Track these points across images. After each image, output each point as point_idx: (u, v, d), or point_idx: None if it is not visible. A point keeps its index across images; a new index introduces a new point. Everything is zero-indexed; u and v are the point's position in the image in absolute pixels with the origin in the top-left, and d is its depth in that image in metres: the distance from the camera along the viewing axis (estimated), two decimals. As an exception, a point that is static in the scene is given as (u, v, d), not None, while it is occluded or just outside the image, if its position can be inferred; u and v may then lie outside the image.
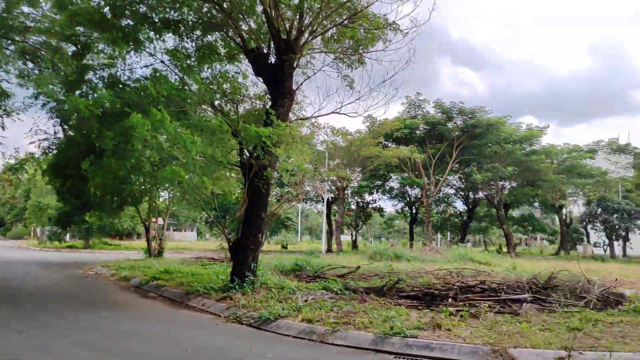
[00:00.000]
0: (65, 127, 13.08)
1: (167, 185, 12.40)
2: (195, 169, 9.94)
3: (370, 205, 50.82)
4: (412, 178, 36.34)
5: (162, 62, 12.75)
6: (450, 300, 9.22)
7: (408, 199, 50.39)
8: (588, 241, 51.79)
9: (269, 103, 12.31)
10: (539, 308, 8.82)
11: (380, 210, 51.61)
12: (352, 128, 38.67)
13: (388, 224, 69.84)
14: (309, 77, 12.65)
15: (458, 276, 13.57)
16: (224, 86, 12.83)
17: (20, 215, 53.91)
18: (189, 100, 11.04)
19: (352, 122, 75.54)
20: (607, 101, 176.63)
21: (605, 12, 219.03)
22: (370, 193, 48.68)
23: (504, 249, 51.67)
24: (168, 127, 9.73)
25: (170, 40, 12.80)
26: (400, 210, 55.16)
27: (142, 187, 11.80)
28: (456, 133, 35.99)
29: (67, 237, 40.23)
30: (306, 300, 9.40)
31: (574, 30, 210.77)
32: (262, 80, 12.47)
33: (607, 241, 39.67)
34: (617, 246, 41.14)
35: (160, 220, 26.07)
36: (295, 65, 11.84)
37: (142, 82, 11.18)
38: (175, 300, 11.08)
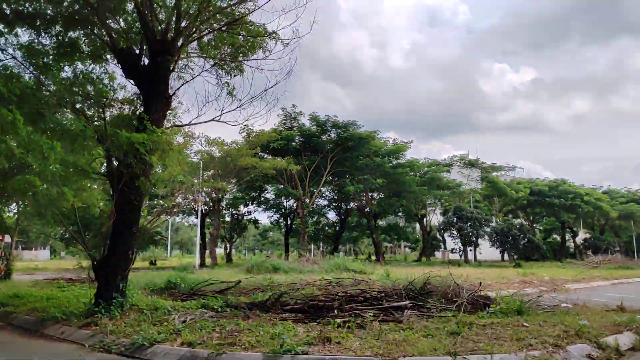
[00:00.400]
0: None
1: (17, 197, 10.73)
2: (53, 179, 8.70)
3: (245, 217, 50.16)
4: (288, 189, 36.53)
5: (14, 58, 11.16)
6: (335, 311, 9.13)
7: (283, 210, 50.67)
8: (445, 248, 56.57)
9: (141, 108, 11.35)
10: (418, 314, 9.12)
11: (255, 222, 51.15)
12: (228, 138, 37.91)
13: (263, 235, 69.55)
14: (187, 81, 11.93)
15: (339, 286, 13.66)
16: (88, 88, 11.58)
17: None
18: (46, 101, 9.71)
19: (228, 132, 74.67)
20: (456, 121, 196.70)
21: (454, 40, 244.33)
22: (246, 205, 48.10)
23: (373, 257, 54.36)
24: (20, 130, 8.43)
25: (25, 34, 11.29)
26: (275, 222, 55.27)
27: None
28: (330, 145, 37.04)
29: None
30: (184, 321, 8.66)
31: (430, 53, 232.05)
32: (133, 83, 11.43)
33: (461, 247, 43.49)
34: (469, 252, 45.45)
35: (7, 238, 22.79)
36: (171, 68, 11.07)
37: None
38: (27, 328, 9.55)
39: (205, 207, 45.36)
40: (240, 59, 13.05)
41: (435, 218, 57.28)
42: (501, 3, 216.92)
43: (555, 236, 69.23)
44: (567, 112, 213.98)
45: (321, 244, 63.51)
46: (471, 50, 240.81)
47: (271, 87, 12.73)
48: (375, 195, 47.64)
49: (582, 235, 69.35)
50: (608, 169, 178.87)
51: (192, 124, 12.17)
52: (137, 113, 11.07)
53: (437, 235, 55.39)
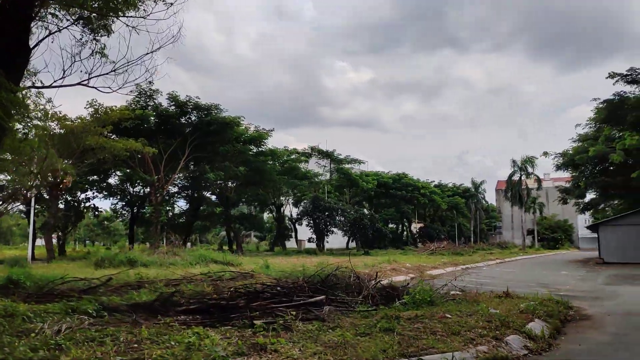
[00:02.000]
0: None
1: None
2: None
3: (83, 204, 44.75)
4: (140, 174, 33.28)
5: None
6: (244, 311, 7.98)
7: (129, 197, 46.41)
8: (296, 237, 57.49)
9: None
10: (333, 309, 8.44)
11: (95, 209, 45.95)
12: (71, 113, 32.90)
13: (101, 225, 63.31)
14: (52, 32, 9.55)
15: (226, 281, 12.41)
16: None
17: None
18: None
19: (73, 107, 66.08)
20: (301, 114, 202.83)
21: (301, 35, 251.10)
22: (84, 190, 43.00)
23: (225, 247, 52.84)
24: None
25: None
26: (117, 210, 50.57)
27: None
28: (189, 129, 34.63)
29: None
30: (59, 331, 6.76)
31: (277, 45, 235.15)
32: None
33: (316, 236, 44.31)
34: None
35: None
36: (34, 14, 8.74)
37: None
38: None
39: (36, 192, 39.49)
40: (111, 15, 11.01)
41: (287, 208, 57.87)
42: (345, 3, 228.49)
43: (391, 225, 75.10)
44: (398, 113, 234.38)
45: (171, 235, 59.94)
46: (317, 46, 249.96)
47: (153, 51, 11.05)
48: (232, 183, 46.19)
49: (416, 224, 76.50)
50: (431, 165, 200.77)
51: (55, 87, 9.84)
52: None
53: (289, 224, 56.04)
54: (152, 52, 10.92)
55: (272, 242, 65.39)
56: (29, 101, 8.95)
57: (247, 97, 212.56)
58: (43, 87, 9.91)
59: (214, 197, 51.06)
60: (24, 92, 8.33)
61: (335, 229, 43.43)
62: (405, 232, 74.02)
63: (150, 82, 33.34)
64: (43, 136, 25.97)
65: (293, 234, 57.21)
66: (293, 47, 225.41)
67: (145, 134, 32.78)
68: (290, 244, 58.49)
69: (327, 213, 41.34)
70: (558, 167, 41.40)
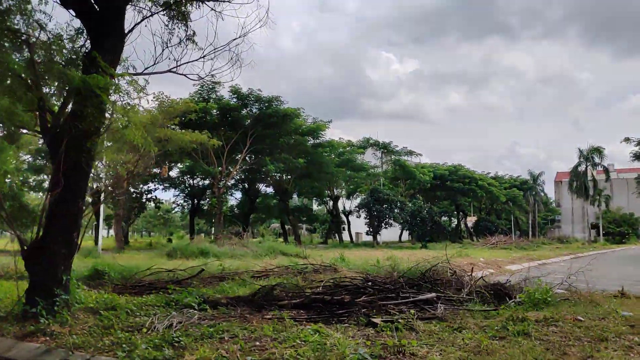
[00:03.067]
0: None
1: None
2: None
3: (146, 196, 46.02)
4: (204, 166, 33.66)
5: None
6: (357, 308, 7.54)
7: (190, 189, 47.29)
8: (349, 229, 56.92)
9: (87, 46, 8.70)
10: (447, 308, 7.86)
11: (157, 201, 47.13)
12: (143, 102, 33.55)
13: (162, 216, 65.07)
14: (146, 17, 9.35)
15: (309, 273, 12.04)
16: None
17: None
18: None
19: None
20: (345, 106, 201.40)
21: (344, 27, 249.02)
22: (145, 182, 44.12)
23: (280, 239, 53.01)
24: None
25: None
26: (178, 202, 51.71)
27: None
28: (250, 121, 34.71)
29: None
30: (170, 326, 6.54)
31: (320, 38, 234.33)
32: (74, 14, 8.72)
33: (372, 229, 43.51)
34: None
35: None
36: (129, -2, 8.57)
37: None
38: None
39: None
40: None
41: (341, 200, 57.38)
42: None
43: (444, 218, 73.08)
44: (443, 104, 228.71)
45: (237, 227, 60.75)
46: (360, 38, 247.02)
47: (240, 36, 10.68)
48: (288, 175, 46.11)
49: (471, 217, 74.32)
50: (478, 157, 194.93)
51: (147, 74, 9.67)
52: (85, 52, 8.42)
53: (342, 216, 55.49)
54: (240, 37, 10.57)
55: (325, 234, 65.25)
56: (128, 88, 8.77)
57: (290, 89, 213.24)
58: (135, 74, 9.74)
59: (268, 190, 51.42)
60: (118, 79, 8.11)
61: (393, 222, 42.57)
62: (460, 226, 72.12)
63: (212, 75, 33.77)
64: (140, 124, 26.50)
65: (346, 226, 56.70)
66: (336, 39, 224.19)
67: (207, 126, 33.01)
68: (342, 236, 57.99)
69: (385, 205, 40.56)
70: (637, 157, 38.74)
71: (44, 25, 8.92)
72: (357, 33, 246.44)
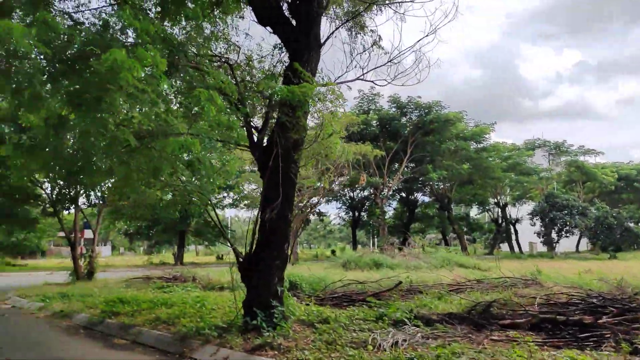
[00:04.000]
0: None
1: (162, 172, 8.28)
2: (210, 144, 6.30)
3: (309, 209, 47.92)
4: (368, 177, 33.82)
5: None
6: (612, 332, 6.33)
7: (350, 201, 48.09)
8: (517, 239, 52.41)
9: (284, 61, 8.91)
10: None
11: (320, 214, 48.77)
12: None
13: (328, 228, 67.37)
14: (339, 26, 9.31)
15: (509, 288, 10.84)
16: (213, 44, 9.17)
17: None
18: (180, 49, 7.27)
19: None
20: (497, 108, 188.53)
21: (492, 26, 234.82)
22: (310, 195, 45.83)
23: (441, 249, 50.95)
24: (162, 79, 6.09)
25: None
26: (340, 214, 52.91)
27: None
28: (409, 129, 34.06)
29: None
30: (395, 344, 6.08)
31: (467, 39, 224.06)
32: (270, 31, 8.99)
33: (555, 238, 39.34)
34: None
35: (87, 233, 21.12)
36: (325, 4, 8.55)
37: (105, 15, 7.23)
38: (165, 350, 7.20)
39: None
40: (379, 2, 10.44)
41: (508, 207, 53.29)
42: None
43: (630, 224, 63.70)
44: (615, 96, 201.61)
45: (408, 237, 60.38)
46: (510, 35, 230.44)
47: (427, 35, 10.06)
48: (448, 183, 44.21)
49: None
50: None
51: (339, 83, 9.59)
52: (282, 64, 8.62)
53: (510, 225, 51.42)
54: (428, 35, 9.99)
55: (490, 244, 61.28)
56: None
57: (439, 95, 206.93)
58: (326, 84, 9.77)
59: (425, 199, 49.99)
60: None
61: (574, 230, 38.07)
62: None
63: (371, 87, 33.97)
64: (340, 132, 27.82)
65: (513, 235, 52.45)
66: (483, 38, 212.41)
67: (369, 137, 33.19)
68: (505, 246, 53.62)
69: (565, 212, 36.46)
70: None
71: (239, 48, 9.39)
72: (506, 30, 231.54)
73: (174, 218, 26.25)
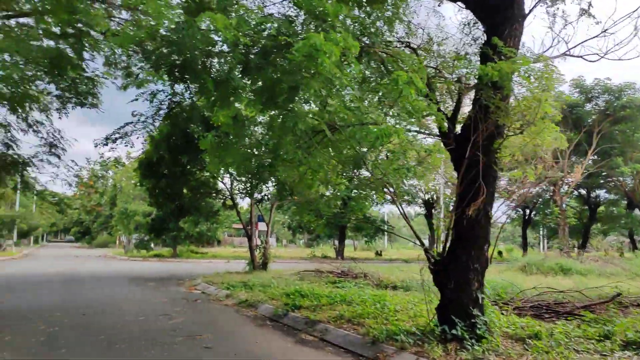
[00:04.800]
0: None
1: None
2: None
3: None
4: (544, 172, 30.58)
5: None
6: None
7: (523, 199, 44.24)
8: None
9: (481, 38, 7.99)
10: None
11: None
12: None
13: (492, 228, 63.31)
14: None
15: None
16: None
17: (107, 223, 52.98)
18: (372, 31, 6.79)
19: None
20: None
21: None
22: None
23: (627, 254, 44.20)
24: (355, 64, 5.65)
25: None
26: (508, 212, 49.06)
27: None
28: (594, 116, 29.93)
29: (152, 245, 37.92)
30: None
31: None
32: (462, 6, 8.12)
33: None
34: None
35: (262, 226, 22.37)
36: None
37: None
38: (356, 352, 6.80)
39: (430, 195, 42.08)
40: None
41: None
42: None
43: None
44: None
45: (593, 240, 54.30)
46: None
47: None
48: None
49: None
50: None
51: (551, 58, 8.35)
52: (475, 42, 7.71)
53: None
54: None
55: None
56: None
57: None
58: (539, 58, 8.57)
59: (608, 196, 43.86)
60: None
61: None
62: None
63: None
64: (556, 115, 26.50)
65: None
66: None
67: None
68: None
69: None
70: None
71: (422, 29, 8.66)
72: None
73: (334, 214, 26.58)
